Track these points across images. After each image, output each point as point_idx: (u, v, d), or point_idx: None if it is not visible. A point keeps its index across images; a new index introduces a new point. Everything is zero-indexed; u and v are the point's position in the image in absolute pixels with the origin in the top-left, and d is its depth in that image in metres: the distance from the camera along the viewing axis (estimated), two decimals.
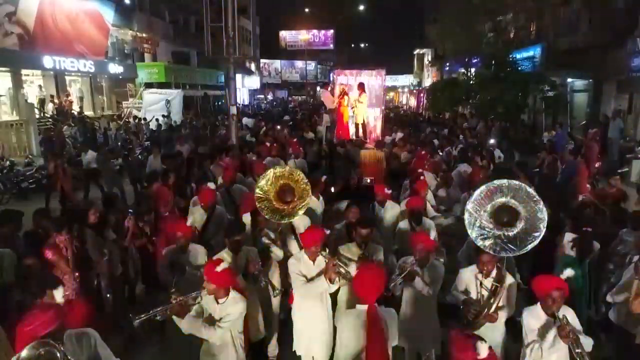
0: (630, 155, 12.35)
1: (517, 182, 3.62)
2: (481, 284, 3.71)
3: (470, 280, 3.81)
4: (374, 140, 11.38)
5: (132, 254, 5.31)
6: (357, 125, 11.70)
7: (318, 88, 47.77)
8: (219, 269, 3.22)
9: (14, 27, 17.24)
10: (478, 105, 18.91)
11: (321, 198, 6.25)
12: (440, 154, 10.09)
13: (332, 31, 59.31)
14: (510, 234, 3.51)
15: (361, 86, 11.29)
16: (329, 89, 15.70)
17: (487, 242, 3.55)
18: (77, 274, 4.18)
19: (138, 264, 5.41)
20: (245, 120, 19.87)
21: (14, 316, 3.53)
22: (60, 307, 2.84)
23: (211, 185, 5.91)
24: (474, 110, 19.77)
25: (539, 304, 3.22)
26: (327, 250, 4.01)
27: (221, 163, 7.64)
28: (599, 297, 4.52)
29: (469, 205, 3.67)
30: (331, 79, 13.59)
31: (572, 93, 17.71)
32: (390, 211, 5.79)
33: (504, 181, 3.61)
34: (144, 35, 27.38)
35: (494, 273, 3.71)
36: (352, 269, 3.88)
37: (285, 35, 59.38)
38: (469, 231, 3.63)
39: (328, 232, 4.09)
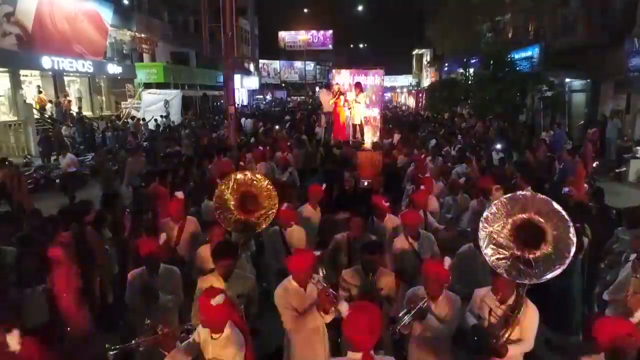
0: (628, 155, 12.40)
1: (543, 196, 3.10)
2: (490, 311, 3.21)
3: (483, 304, 3.30)
4: (372, 142, 11.21)
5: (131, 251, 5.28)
6: (354, 126, 11.53)
7: (317, 88, 47.81)
8: (214, 302, 2.76)
9: (13, 27, 17.22)
10: (476, 106, 18.96)
11: (318, 208, 5.86)
12: (440, 158, 9.74)
13: (331, 32, 59.45)
14: (531, 257, 3.00)
15: (358, 86, 11.05)
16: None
17: (502, 263, 3.06)
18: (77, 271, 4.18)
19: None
20: (242, 120, 19.88)
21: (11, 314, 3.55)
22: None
23: (179, 194, 5.24)
24: (472, 110, 19.80)
25: (602, 355, 2.57)
26: (322, 274, 3.49)
27: (224, 162, 7.62)
28: (593, 296, 4.53)
29: (486, 216, 3.16)
30: (329, 79, 13.09)
31: (570, 93, 17.74)
32: (391, 226, 5.27)
33: (528, 193, 3.19)
34: (142, 35, 27.39)
35: (511, 299, 3.18)
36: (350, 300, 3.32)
37: (285, 35, 59.48)
38: (482, 246, 3.15)
39: (318, 253, 3.51)
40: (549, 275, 2.95)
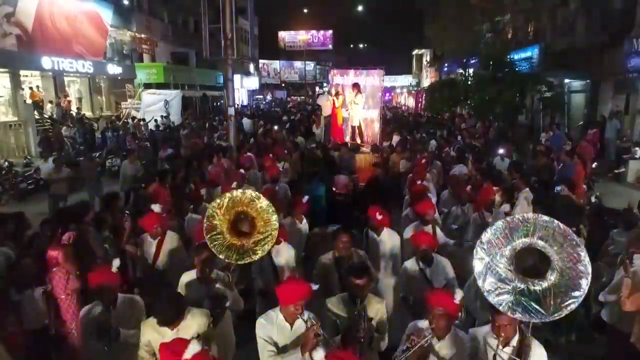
0: (627, 155, 12.41)
1: (547, 218, 2.67)
2: (495, 356, 2.78)
3: (487, 347, 2.87)
4: (371, 144, 10.98)
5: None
6: (352, 128, 11.29)
7: (317, 89, 47.82)
8: (189, 354, 2.29)
9: (13, 27, 17.25)
10: (476, 106, 18.96)
11: (304, 220, 5.40)
12: (438, 162, 9.17)
13: (330, 32, 59.47)
14: (538, 288, 2.55)
15: (356, 86, 10.88)
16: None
17: (504, 299, 2.58)
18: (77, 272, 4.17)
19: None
20: (242, 121, 19.87)
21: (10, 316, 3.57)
22: None
23: (156, 207, 4.78)
24: (472, 110, 19.82)
25: None
26: (308, 319, 2.94)
27: (223, 162, 7.61)
28: (590, 297, 4.54)
29: (480, 245, 2.72)
30: (328, 80, 12.87)
31: (570, 94, 17.76)
32: (389, 241, 4.76)
33: (530, 215, 2.73)
34: (142, 36, 27.43)
35: (514, 340, 2.77)
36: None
37: (284, 35, 59.51)
38: (479, 280, 2.68)
39: (316, 287, 3.01)
40: (564, 312, 2.50)
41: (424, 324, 3.01)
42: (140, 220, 4.65)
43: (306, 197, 5.50)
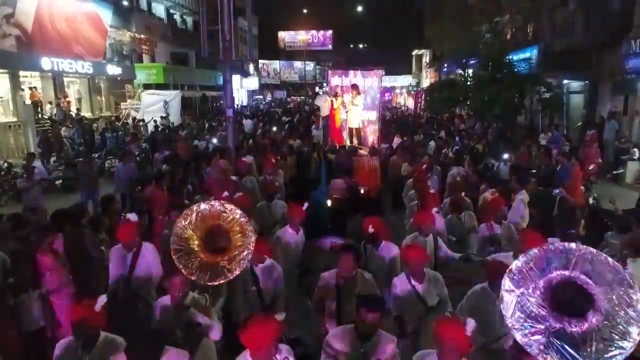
0: (626, 156, 12.42)
1: (593, 250, 2.31)
2: None
3: None
4: (369, 146, 10.69)
5: None
6: (350, 130, 11.00)
7: (317, 89, 47.85)
8: None
9: (12, 28, 17.28)
10: (475, 107, 18.98)
11: (301, 231, 4.94)
12: (439, 168, 8.84)
13: (330, 32, 59.53)
14: (577, 330, 2.14)
15: (355, 87, 10.66)
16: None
17: (535, 339, 2.19)
18: (70, 276, 4.16)
19: None
20: (243, 122, 19.90)
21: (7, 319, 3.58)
22: None
23: (132, 216, 4.45)
24: (471, 111, 19.84)
25: None
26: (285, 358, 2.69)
27: (221, 162, 7.59)
28: None
29: (510, 275, 2.37)
30: (327, 80, 12.54)
31: (569, 94, 17.77)
32: (388, 255, 4.43)
33: (572, 245, 2.34)
34: (142, 36, 27.45)
35: None
36: None
37: (284, 35, 59.57)
38: (507, 316, 2.27)
39: (282, 317, 2.89)
40: None
41: (431, 357, 2.70)
42: (116, 231, 4.33)
43: (305, 205, 5.05)
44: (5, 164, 12.26)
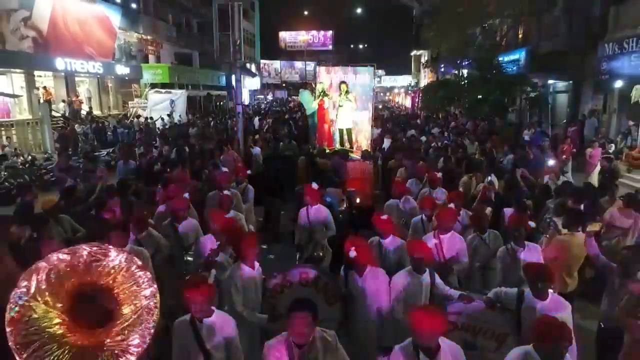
0: (602, 151, 13.41)
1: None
2: None
3: None
4: (361, 150, 9.84)
5: None
6: (340, 131, 10.04)
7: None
8: None
9: (29, 31, 18.33)
10: (468, 106, 19.99)
11: (257, 265, 3.93)
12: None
13: (330, 32, 60.54)
14: None
15: (344, 84, 9.72)
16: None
17: None
18: None
19: None
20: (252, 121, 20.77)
21: None
22: None
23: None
24: (463, 110, 20.86)
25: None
26: None
27: (232, 152, 8.48)
28: None
29: None
30: (316, 78, 11.42)
31: (555, 94, 18.83)
32: (373, 284, 3.82)
33: None
34: (148, 37, 28.45)
35: None
36: None
37: (285, 36, 60.60)
38: None
39: None
40: None
41: None
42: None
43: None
44: (30, 157, 13.27)
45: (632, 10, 13.17)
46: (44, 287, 1.89)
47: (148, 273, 2.06)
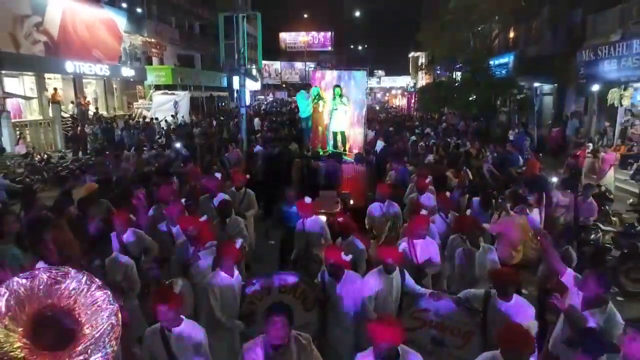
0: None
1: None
2: None
3: None
4: (355, 153, 9.99)
5: None
6: (334, 133, 10.18)
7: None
8: None
9: (41, 35, 19.20)
10: (460, 107, 20.93)
11: (237, 273, 4.02)
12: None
13: (330, 33, 61.26)
14: None
15: (338, 87, 10.02)
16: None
17: None
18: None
19: None
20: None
21: None
22: None
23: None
24: (454, 110, 21.80)
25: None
26: None
27: (237, 151, 9.42)
28: None
29: None
30: (312, 80, 11.38)
31: (542, 96, 19.77)
32: (351, 289, 3.95)
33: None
34: (152, 40, 29.31)
35: None
36: None
37: (285, 36, 61.30)
38: None
39: None
40: None
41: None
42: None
43: (239, 241, 4.33)
44: (45, 155, 14.19)
45: (605, 20, 14.13)
46: (3, 311, 1.96)
47: (109, 292, 2.12)
